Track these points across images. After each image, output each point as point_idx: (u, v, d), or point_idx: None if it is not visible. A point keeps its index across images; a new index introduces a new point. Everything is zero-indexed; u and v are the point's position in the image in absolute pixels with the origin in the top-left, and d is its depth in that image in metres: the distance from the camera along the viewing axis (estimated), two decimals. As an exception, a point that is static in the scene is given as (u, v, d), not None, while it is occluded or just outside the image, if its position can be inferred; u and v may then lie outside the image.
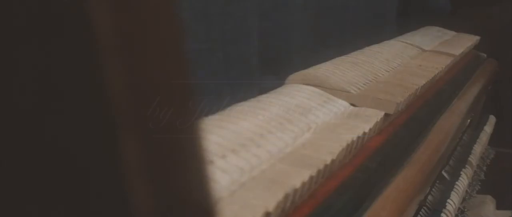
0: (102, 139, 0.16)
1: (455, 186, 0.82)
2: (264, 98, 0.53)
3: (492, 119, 1.24)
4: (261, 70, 0.86)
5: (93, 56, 0.16)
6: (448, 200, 0.76)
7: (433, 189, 0.76)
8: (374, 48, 0.87)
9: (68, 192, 0.17)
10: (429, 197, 0.74)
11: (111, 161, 0.17)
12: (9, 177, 0.17)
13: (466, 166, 0.93)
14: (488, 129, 1.17)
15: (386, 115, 0.60)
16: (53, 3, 0.15)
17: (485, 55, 1.24)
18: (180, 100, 0.19)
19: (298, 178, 0.39)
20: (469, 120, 0.91)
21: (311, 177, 0.41)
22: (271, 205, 0.35)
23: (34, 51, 0.16)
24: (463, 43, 1.15)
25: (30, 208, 0.17)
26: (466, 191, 0.89)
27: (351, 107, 0.59)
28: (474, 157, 0.98)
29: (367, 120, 0.55)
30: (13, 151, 0.17)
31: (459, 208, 0.82)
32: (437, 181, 0.78)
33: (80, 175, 0.17)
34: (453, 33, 1.25)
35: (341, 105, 0.58)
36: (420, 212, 0.69)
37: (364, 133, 0.52)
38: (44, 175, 0.17)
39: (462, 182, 0.85)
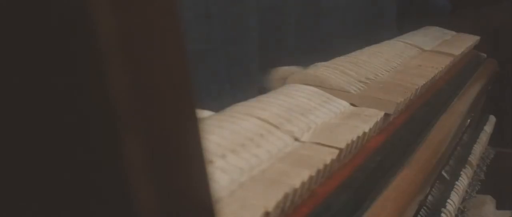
0: (102, 138, 0.16)
1: (455, 186, 0.82)
2: (264, 98, 0.53)
3: (492, 119, 1.24)
4: (262, 70, 0.86)
5: (95, 56, 0.16)
6: (448, 200, 0.76)
7: (433, 189, 0.76)
8: (374, 48, 0.87)
9: (70, 192, 0.17)
10: (429, 197, 0.74)
11: (111, 160, 0.17)
12: (12, 177, 0.17)
13: (466, 166, 0.93)
14: (488, 129, 1.17)
15: (386, 115, 0.60)
16: (55, 3, 0.15)
17: (485, 55, 1.24)
18: (180, 100, 0.19)
19: (298, 178, 0.39)
20: (469, 120, 0.91)
21: (311, 177, 0.41)
22: (270, 205, 0.35)
23: (35, 51, 0.16)
24: (463, 43, 1.15)
25: (33, 209, 0.17)
26: (466, 191, 0.89)
27: (351, 107, 0.59)
28: (474, 157, 0.98)
29: (367, 120, 0.55)
30: (16, 152, 0.17)
31: (459, 208, 0.82)
32: (437, 181, 0.78)
33: (81, 175, 0.17)
34: (453, 33, 1.25)
35: (341, 105, 0.58)
36: (420, 212, 0.69)
37: (364, 133, 0.52)
38: (46, 175, 0.17)
39: (462, 182, 0.85)
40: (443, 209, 0.73)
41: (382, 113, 0.58)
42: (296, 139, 0.46)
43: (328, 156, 0.44)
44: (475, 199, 1.00)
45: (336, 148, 0.46)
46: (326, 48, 0.96)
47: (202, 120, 0.20)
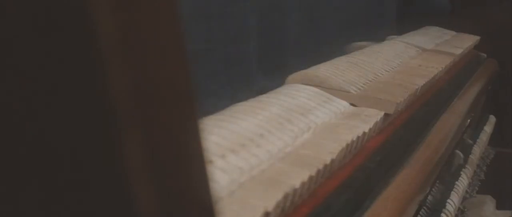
0: (102, 138, 0.16)
1: (455, 186, 0.82)
2: (264, 98, 0.53)
3: (492, 119, 1.24)
4: (261, 70, 0.86)
5: (94, 56, 0.16)
6: (448, 200, 0.76)
7: (433, 189, 0.76)
8: (374, 48, 0.87)
9: (70, 192, 0.17)
10: (429, 197, 0.74)
11: (111, 161, 0.17)
12: (12, 177, 0.17)
13: (466, 166, 0.93)
14: (488, 129, 1.17)
15: (386, 115, 0.60)
16: (55, 3, 0.15)
17: (485, 55, 1.24)
18: (180, 100, 0.19)
19: (298, 178, 0.39)
20: (469, 120, 0.91)
21: (311, 177, 0.41)
22: (270, 205, 0.35)
23: (35, 51, 0.16)
24: (463, 43, 1.15)
25: (33, 209, 0.17)
26: (466, 191, 0.89)
27: (351, 107, 0.59)
28: (474, 157, 0.98)
29: (367, 120, 0.55)
30: (16, 152, 0.17)
31: (459, 208, 0.82)
32: (437, 181, 0.78)
33: (81, 175, 0.17)
34: (453, 33, 1.25)
35: (341, 105, 0.58)
36: (420, 212, 0.69)
37: (364, 133, 0.52)
38: (46, 175, 0.17)
39: (462, 182, 0.85)
40: (443, 209, 0.73)
41: (382, 113, 0.58)
42: (296, 139, 0.46)
43: (328, 156, 0.44)
44: (475, 199, 1.00)
45: (336, 148, 0.46)
46: (326, 48, 0.96)
47: (202, 120, 0.20)
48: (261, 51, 0.85)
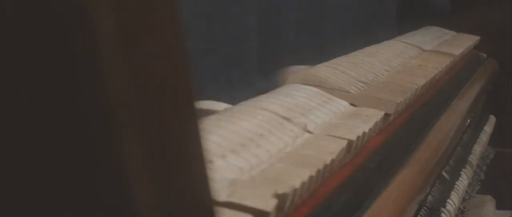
0: (103, 138, 0.16)
1: (455, 186, 0.82)
2: (264, 98, 0.53)
3: (492, 119, 1.24)
4: (261, 70, 0.86)
5: (94, 56, 0.16)
6: (448, 200, 0.76)
7: (433, 189, 0.76)
8: (374, 48, 0.87)
9: (70, 192, 0.17)
10: (429, 197, 0.74)
11: (111, 160, 0.17)
12: (12, 177, 0.17)
13: (466, 166, 0.93)
14: (488, 129, 1.17)
15: (386, 115, 0.60)
16: (55, 3, 0.15)
17: (485, 55, 1.24)
18: (180, 100, 0.19)
19: (298, 178, 0.39)
20: (469, 120, 0.91)
21: (311, 177, 0.41)
22: (270, 205, 0.35)
23: (35, 51, 0.16)
24: (463, 43, 1.15)
25: (33, 209, 0.17)
26: (466, 191, 0.89)
27: (351, 107, 0.59)
28: (474, 157, 0.98)
29: (367, 120, 0.55)
30: (16, 152, 0.17)
31: (459, 208, 0.82)
32: (437, 181, 0.78)
33: (81, 175, 0.17)
34: (453, 33, 1.25)
35: (341, 105, 0.58)
36: (420, 212, 0.69)
37: (364, 133, 0.52)
38: (47, 175, 0.17)
39: (462, 182, 0.85)
40: (443, 209, 0.73)
41: (382, 113, 0.58)
42: (296, 139, 0.46)
43: (328, 156, 0.44)
44: (475, 199, 1.00)
45: (336, 148, 0.46)
46: (326, 48, 0.96)
47: (202, 120, 0.20)
48: (261, 51, 0.85)
